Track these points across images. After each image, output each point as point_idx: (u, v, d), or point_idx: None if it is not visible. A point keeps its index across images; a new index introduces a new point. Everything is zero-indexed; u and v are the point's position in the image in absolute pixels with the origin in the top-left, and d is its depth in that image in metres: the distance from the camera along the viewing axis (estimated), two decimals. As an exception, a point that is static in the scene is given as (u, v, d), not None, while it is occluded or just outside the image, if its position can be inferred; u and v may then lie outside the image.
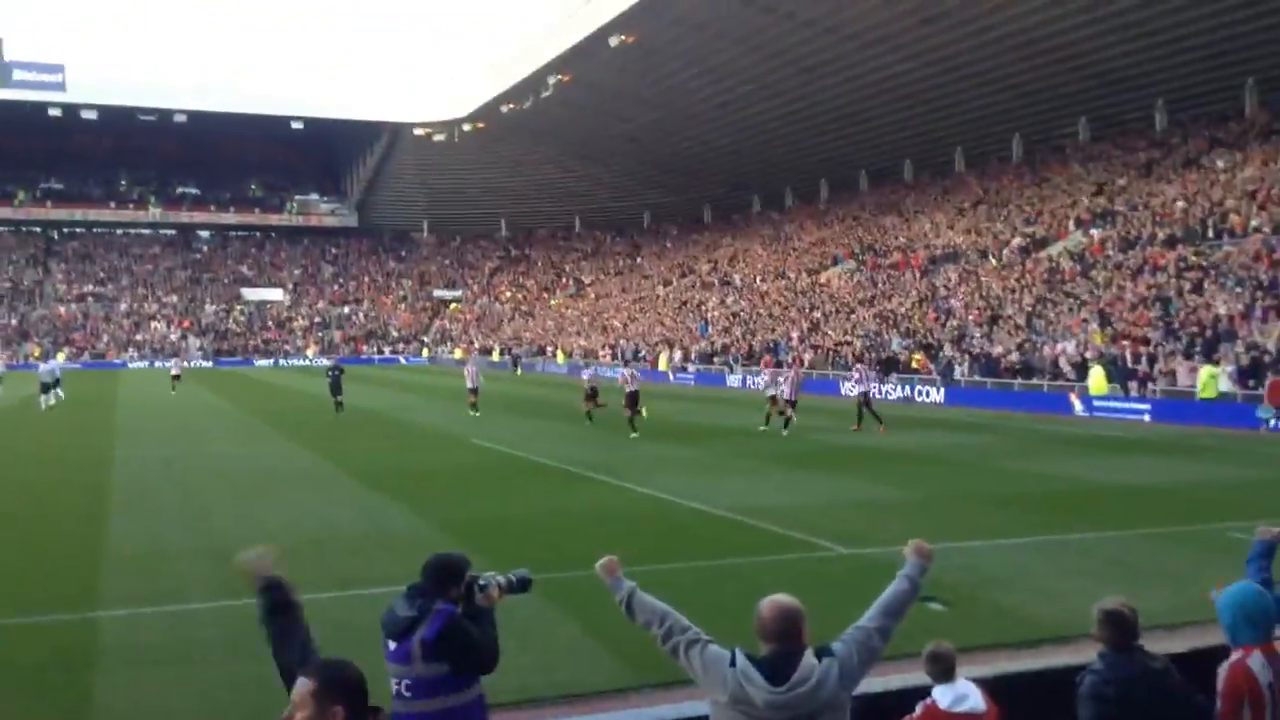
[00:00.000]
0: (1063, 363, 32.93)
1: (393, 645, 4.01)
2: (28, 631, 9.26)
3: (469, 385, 31.69)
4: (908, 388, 37.16)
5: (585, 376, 32.73)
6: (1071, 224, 45.05)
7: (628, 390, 26.07)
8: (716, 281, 68.18)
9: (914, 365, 38.85)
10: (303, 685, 2.89)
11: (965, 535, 13.01)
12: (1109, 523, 13.78)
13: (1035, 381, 33.45)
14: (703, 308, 63.71)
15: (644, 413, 26.30)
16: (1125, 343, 31.97)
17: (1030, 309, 38.54)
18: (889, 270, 52.40)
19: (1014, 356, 35.15)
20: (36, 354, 72.26)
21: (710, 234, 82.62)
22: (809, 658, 3.74)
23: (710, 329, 58.17)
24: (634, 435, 24.94)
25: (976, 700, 4.51)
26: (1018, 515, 14.50)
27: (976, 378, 35.72)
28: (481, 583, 4.25)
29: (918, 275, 49.29)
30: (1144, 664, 4.28)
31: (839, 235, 63.29)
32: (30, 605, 10.07)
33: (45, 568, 11.77)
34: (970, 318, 40.60)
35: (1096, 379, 30.25)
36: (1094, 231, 42.77)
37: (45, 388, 35.87)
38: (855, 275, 54.61)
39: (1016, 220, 49.33)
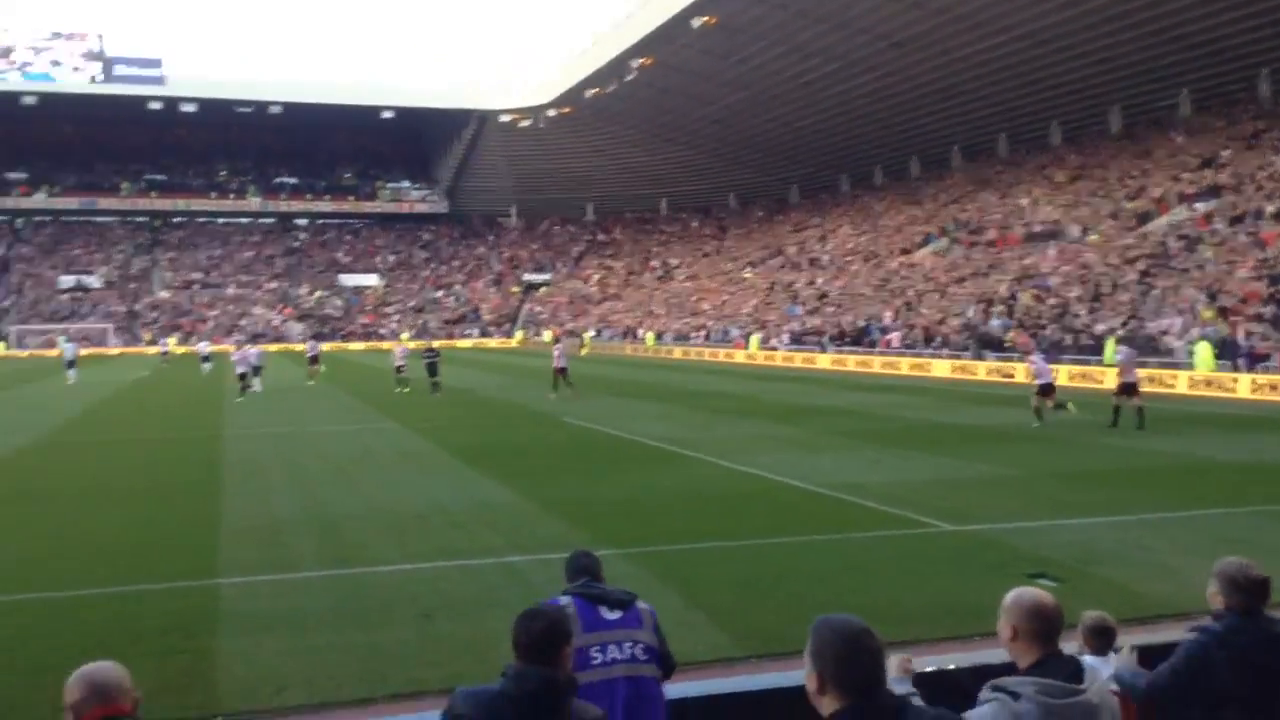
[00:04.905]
0: (1169, 340, 31.97)
1: (618, 614, 4.09)
2: (155, 596, 9.62)
3: (556, 365, 31.97)
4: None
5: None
6: (1175, 198, 43.61)
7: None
8: (805, 262, 67.55)
9: (1006, 344, 38.10)
10: None
11: (1074, 512, 12.72)
12: (1220, 500, 13.36)
13: (1140, 359, 32.47)
14: (791, 288, 63.21)
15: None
16: (1236, 319, 30.91)
17: (1136, 286, 37.45)
18: (985, 248, 51.34)
19: (1119, 334, 34.21)
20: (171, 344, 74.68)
21: (797, 214, 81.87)
22: None
23: (800, 310, 57.69)
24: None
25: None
26: (1127, 491, 14.12)
27: (1081, 356, 34.87)
28: None
29: (1015, 253, 48.22)
30: (1268, 629, 3.89)
31: (932, 213, 62.20)
32: (156, 572, 10.46)
33: (168, 538, 12.17)
34: (1073, 295, 39.58)
35: (1204, 355, 29.35)
36: (1199, 206, 41.37)
37: (256, 370, 35.84)
38: (948, 254, 53.61)
39: (1118, 195, 47.91)
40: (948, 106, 61.82)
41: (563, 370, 31.29)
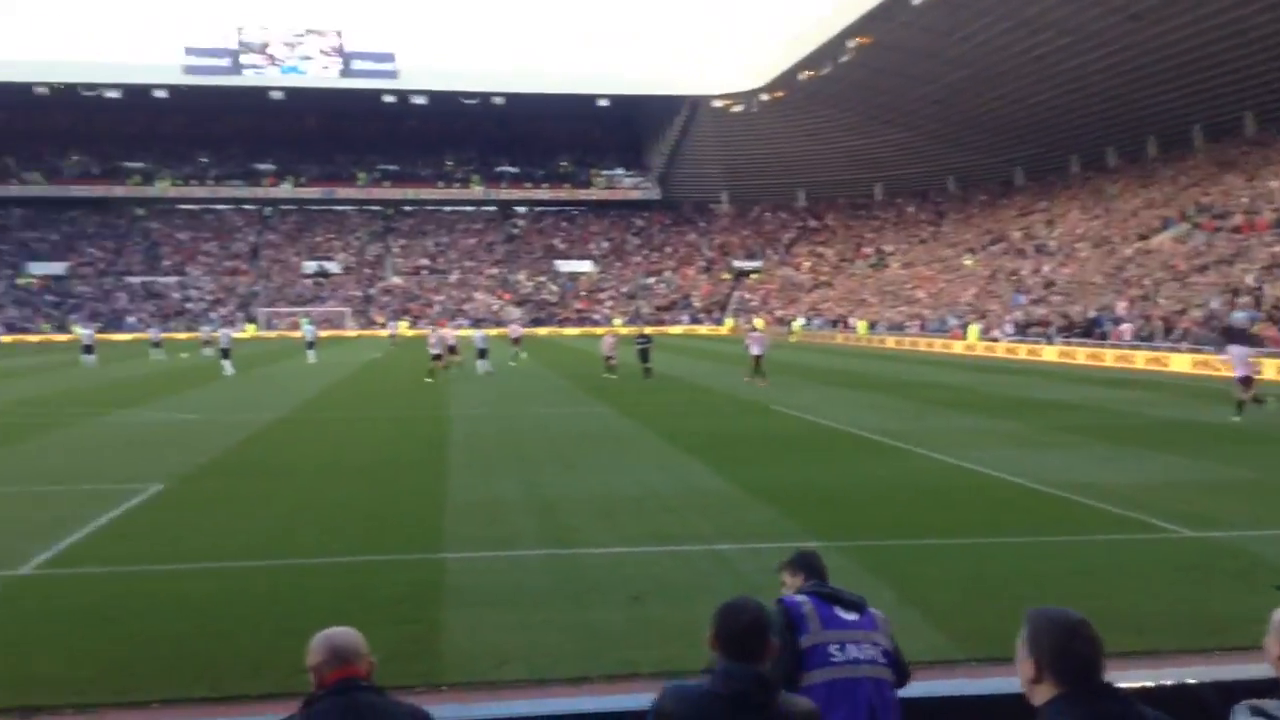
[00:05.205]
0: None
1: (854, 615, 4.09)
2: (387, 567, 10.20)
3: (755, 352, 31.98)
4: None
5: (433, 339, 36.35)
6: None
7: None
8: (1030, 249, 64.60)
9: (1252, 337, 35.24)
10: None
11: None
12: None
13: None
14: (1015, 276, 60.58)
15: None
16: None
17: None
18: (1230, 234, 47.68)
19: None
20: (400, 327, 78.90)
21: (1022, 198, 78.33)
22: None
23: (1024, 299, 55.21)
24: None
25: None
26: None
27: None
28: None
29: (1264, 239, 44.55)
30: None
31: (1170, 196, 58.22)
32: (387, 545, 11.07)
33: (398, 513, 12.86)
34: (1329, 284, 36.27)
35: None
36: None
37: (482, 353, 38.82)
38: (1189, 240, 50.08)
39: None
40: (1189, 82, 57.62)
41: (758, 358, 31.72)
